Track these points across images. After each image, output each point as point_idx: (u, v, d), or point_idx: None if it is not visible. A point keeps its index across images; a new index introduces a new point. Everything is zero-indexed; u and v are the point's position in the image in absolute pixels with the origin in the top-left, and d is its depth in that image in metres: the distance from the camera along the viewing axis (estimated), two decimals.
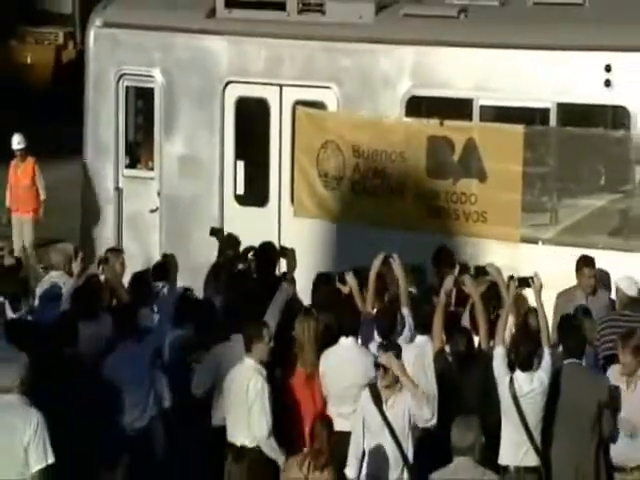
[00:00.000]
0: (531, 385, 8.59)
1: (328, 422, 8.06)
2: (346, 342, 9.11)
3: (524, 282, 9.22)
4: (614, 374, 8.81)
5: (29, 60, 22.60)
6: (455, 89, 11.38)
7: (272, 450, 8.58)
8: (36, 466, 7.50)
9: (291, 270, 10.42)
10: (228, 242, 11.17)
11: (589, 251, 10.61)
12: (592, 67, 10.87)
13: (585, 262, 10.40)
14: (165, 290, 10.48)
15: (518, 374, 8.66)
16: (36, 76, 22.31)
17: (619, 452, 8.73)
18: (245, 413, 8.57)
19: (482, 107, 11.29)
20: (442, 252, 10.67)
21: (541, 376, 8.64)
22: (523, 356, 8.70)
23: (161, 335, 9.54)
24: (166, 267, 10.75)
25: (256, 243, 11.74)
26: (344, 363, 8.98)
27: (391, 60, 11.61)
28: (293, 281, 10.15)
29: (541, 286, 9.10)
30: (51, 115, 18.98)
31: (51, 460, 7.54)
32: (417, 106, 11.56)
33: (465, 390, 8.92)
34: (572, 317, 9.44)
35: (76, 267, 10.09)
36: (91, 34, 12.95)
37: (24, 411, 7.58)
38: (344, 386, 8.93)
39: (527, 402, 8.55)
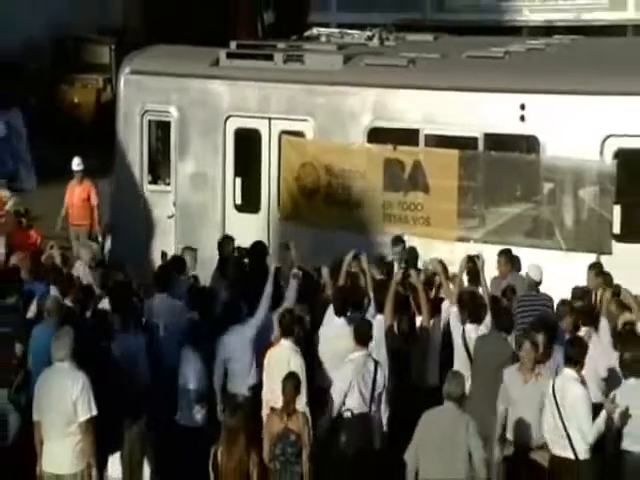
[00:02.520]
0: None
1: (292, 376, 7.77)
2: (338, 321, 8.84)
3: (471, 259, 9.50)
4: (511, 372, 8.11)
5: (76, 100, 22.45)
6: (406, 122, 11.32)
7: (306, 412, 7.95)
8: (83, 417, 7.52)
9: (296, 261, 9.87)
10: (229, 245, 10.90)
11: (509, 248, 10.40)
12: (510, 105, 10.80)
13: (502, 253, 10.37)
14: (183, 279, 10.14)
15: (467, 325, 8.78)
16: (81, 113, 22.21)
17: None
18: None
19: (426, 136, 11.25)
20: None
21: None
22: (472, 312, 8.82)
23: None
24: (183, 261, 10.46)
25: (251, 241, 11.84)
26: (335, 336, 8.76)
27: (356, 99, 11.54)
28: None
29: (483, 262, 9.30)
30: (94, 143, 18.73)
31: (94, 412, 7.54)
32: (376, 135, 11.48)
33: (411, 356, 8.90)
34: (498, 298, 9.44)
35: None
36: (122, 79, 12.81)
37: (73, 374, 7.62)
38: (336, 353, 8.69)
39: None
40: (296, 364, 8.24)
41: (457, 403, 7.35)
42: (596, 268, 9.89)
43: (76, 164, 13.84)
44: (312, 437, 7.64)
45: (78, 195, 13.82)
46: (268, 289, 9.06)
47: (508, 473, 7.95)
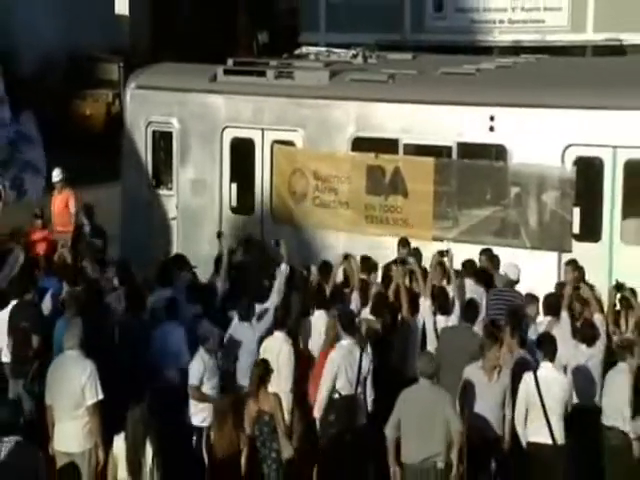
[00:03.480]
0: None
1: (260, 364, 7.75)
2: (318, 313, 8.89)
3: (442, 253, 9.56)
4: (473, 370, 7.90)
5: (88, 112, 22.44)
6: (386, 132, 11.28)
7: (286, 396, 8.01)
8: (90, 400, 7.54)
9: (285, 258, 9.74)
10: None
11: (480, 247, 10.33)
12: (481, 117, 10.80)
13: (482, 252, 10.29)
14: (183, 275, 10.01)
15: (439, 317, 8.82)
16: (93, 124, 22.21)
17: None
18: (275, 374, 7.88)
19: (405, 145, 11.23)
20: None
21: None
22: (441, 305, 8.85)
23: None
24: (184, 257, 10.38)
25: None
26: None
27: (341, 111, 11.49)
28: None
29: (452, 257, 9.37)
30: (104, 152, 18.60)
31: (100, 396, 7.55)
32: (359, 144, 11.44)
33: (393, 346, 8.92)
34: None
35: None
36: (128, 94, 12.77)
37: (82, 362, 7.64)
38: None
39: None
40: (285, 353, 8.23)
41: (431, 379, 7.35)
42: (572, 264, 9.77)
43: (55, 175, 13.43)
44: (296, 417, 7.63)
45: (59, 204, 13.43)
46: (277, 286, 9.02)
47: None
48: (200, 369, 8.05)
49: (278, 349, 8.29)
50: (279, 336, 8.41)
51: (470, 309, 8.86)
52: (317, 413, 8.06)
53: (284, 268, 9.34)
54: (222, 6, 25.23)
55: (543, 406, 7.62)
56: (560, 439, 7.66)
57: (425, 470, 7.22)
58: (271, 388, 7.73)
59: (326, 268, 9.79)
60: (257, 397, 7.50)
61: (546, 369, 7.80)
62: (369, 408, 8.16)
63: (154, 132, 12.58)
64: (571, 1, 20.63)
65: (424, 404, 7.28)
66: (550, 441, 7.65)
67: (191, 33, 24.15)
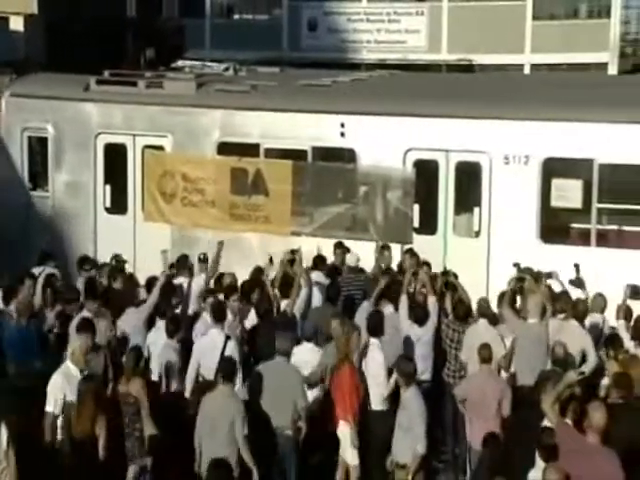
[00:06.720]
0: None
1: (133, 352, 7.80)
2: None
3: (293, 252, 9.79)
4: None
5: None
6: (249, 137, 11.50)
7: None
8: None
9: (166, 266, 9.52)
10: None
11: (333, 240, 10.74)
12: (332, 124, 11.16)
13: (336, 245, 10.75)
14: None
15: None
16: None
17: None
18: None
19: (266, 149, 11.47)
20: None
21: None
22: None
23: None
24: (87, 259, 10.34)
25: (120, 239, 11.78)
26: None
27: (207, 119, 11.67)
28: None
29: (301, 255, 9.52)
30: None
31: None
32: (224, 148, 11.62)
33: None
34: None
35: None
36: (3, 101, 12.64)
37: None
38: None
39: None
40: (229, 348, 8.08)
41: (286, 357, 7.61)
42: (410, 251, 10.33)
43: None
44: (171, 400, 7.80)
45: None
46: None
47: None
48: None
49: (216, 344, 8.15)
50: (215, 332, 8.24)
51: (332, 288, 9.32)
52: (187, 393, 8.14)
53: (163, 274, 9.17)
54: (112, 25, 25.06)
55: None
56: (375, 406, 7.99)
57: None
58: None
59: (204, 258, 10.06)
60: (127, 380, 7.60)
61: (372, 345, 8.12)
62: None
63: (30, 138, 12.55)
64: (428, 25, 21.57)
65: (277, 378, 7.51)
66: (374, 407, 8.02)
67: (83, 51, 23.84)
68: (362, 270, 10.34)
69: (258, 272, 10.01)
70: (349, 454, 7.77)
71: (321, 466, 8.03)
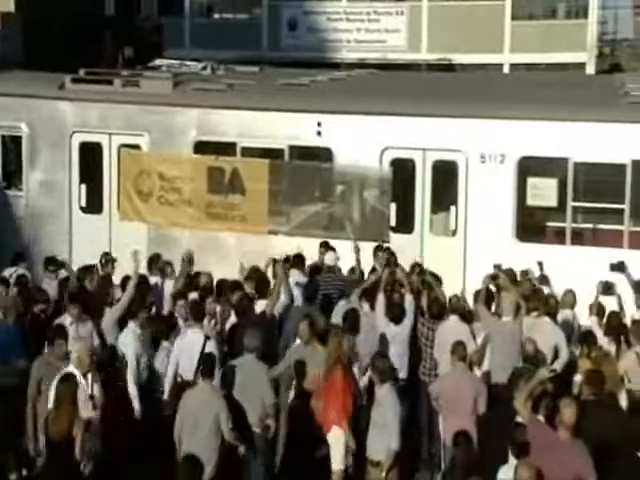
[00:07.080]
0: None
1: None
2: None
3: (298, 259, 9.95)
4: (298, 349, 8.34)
5: None
6: (225, 136, 11.46)
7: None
8: None
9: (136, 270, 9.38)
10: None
11: (310, 239, 10.75)
12: (309, 123, 11.16)
13: (321, 244, 10.70)
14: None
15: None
16: None
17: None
18: None
19: (243, 148, 11.45)
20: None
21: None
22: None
23: None
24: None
25: (95, 238, 11.72)
26: None
27: (184, 117, 11.63)
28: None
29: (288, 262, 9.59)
30: None
31: None
32: (201, 147, 11.59)
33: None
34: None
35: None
36: None
37: None
38: None
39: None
40: (209, 347, 8.10)
41: (254, 354, 7.61)
42: (387, 251, 10.28)
43: None
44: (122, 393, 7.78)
45: None
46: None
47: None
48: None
49: (199, 342, 8.17)
50: (195, 331, 8.27)
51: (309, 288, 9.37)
52: (165, 395, 8.19)
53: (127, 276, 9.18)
54: (90, 24, 24.92)
55: None
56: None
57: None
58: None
59: (190, 257, 9.94)
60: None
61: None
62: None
63: (3, 136, 12.45)
64: (408, 24, 21.63)
65: (247, 375, 7.54)
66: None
67: (61, 49, 23.67)
68: (339, 269, 10.36)
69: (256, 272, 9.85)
70: (338, 459, 7.74)
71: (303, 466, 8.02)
